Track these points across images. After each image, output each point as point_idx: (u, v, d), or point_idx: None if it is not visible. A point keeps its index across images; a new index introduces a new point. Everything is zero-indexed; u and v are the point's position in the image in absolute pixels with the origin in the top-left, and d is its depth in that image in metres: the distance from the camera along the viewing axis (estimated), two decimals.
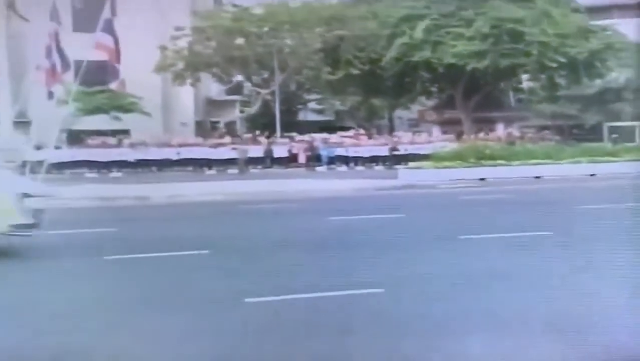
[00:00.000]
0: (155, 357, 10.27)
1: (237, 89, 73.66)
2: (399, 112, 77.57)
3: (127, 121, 61.24)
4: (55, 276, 16.19)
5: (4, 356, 10.02)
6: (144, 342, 10.83)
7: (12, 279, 15.81)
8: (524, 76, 70.26)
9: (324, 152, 57.34)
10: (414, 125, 75.51)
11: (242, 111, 74.57)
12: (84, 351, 10.34)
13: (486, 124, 65.14)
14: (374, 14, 66.83)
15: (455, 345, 10.28)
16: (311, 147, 58.07)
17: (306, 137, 60.83)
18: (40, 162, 35.04)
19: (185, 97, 72.39)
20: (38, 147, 38.60)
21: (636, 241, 18.81)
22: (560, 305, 12.38)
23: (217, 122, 74.39)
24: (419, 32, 63.59)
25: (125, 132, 61.74)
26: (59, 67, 35.36)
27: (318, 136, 61.12)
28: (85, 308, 12.81)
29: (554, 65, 64.00)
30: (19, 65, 39.28)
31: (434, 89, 72.25)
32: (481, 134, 59.92)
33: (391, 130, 70.62)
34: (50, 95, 37.20)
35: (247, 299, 12.59)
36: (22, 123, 39.85)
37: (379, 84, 67.72)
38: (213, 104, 76.49)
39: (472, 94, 67.37)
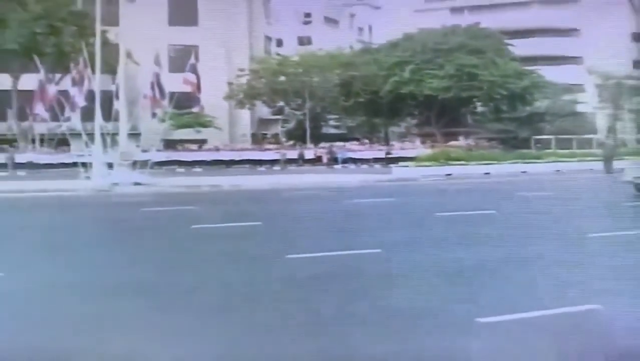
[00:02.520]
0: (227, 289, 10.28)
1: (279, 111, 73.79)
2: (392, 128, 77.37)
3: (205, 133, 61.47)
4: (158, 238, 16.33)
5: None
6: (220, 281, 10.94)
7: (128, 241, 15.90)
8: (478, 103, 70.38)
9: (339, 155, 57.31)
10: (403, 136, 75.36)
11: (282, 126, 74.76)
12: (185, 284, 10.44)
13: (452, 136, 65.01)
14: (375, 60, 67.21)
15: (425, 274, 10.68)
16: (331, 152, 58.09)
17: (327, 145, 60.94)
18: (145, 161, 35.40)
19: (244, 117, 72.47)
20: (144, 151, 38.73)
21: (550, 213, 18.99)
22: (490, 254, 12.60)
23: (266, 134, 74.34)
24: (406, 73, 64.27)
25: (204, 141, 61.90)
26: (158, 96, 35.48)
27: (336, 144, 61.28)
28: (180, 258, 13.01)
29: (499, 96, 65.20)
30: (131, 94, 39.19)
31: (416, 112, 72.33)
32: (449, 143, 59.91)
33: (387, 140, 70.49)
34: (153, 115, 37.35)
35: (287, 256, 12.44)
36: (134, 134, 39.97)
37: (378, 108, 68.01)
38: (263, 122, 76.46)
39: (442, 115, 67.81)
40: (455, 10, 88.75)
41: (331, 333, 7.85)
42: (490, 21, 72.71)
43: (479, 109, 72.53)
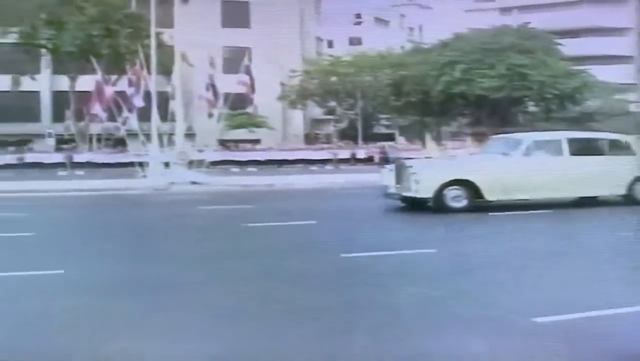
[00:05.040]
0: (285, 281, 10.52)
1: (331, 111, 73.84)
2: (443, 128, 77.09)
3: (259, 133, 61.93)
4: (217, 235, 16.51)
5: None
6: (280, 274, 11.14)
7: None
8: (530, 103, 69.83)
9: (391, 155, 57.28)
10: (454, 136, 75.04)
11: (334, 126, 74.92)
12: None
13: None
14: (425, 60, 66.91)
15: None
16: (382, 151, 58.10)
17: (379, 144, 60.96)
18: (201, 161, 35.81)
19: (297, 117, 72.83)
20: (200, 151, 39.12)
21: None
22: None
23: (318, 134, 74.68)
24: (457, 73, 63.80)
25: (258, 141, 62.36)
26: (213, 97, 35.89)
27: (387, 144, 61.28)
28: (237, 254, 13.23)
29: (549, 96, 64.38)
30: (187, 96, 39.67)
31: (467, 111, 71.90)
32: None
33: (438, 140, 70.28)
34: (209, 115, 37.71)
35: (342, 255, 12.56)
36: (190, 135, 40.42)
37: (429, 108, 67.68)
38: (315, 122, 76.85)
39: (493, 115, 67.21)
40: (505, 10, 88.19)
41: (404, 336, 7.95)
42: (539, 21, 72.00)
43: (530, 108, 71.98)
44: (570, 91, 64.89)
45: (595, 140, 21.82)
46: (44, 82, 65.97)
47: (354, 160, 57.17)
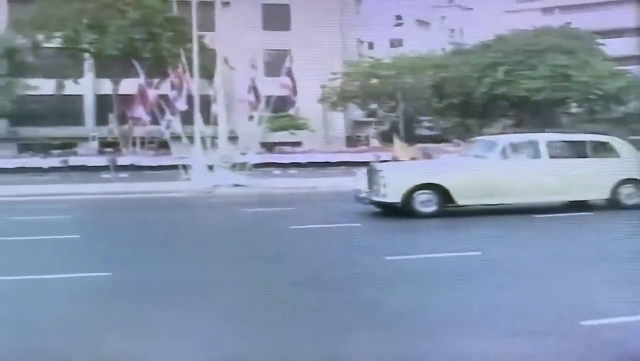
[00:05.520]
0: (325, 287, 10.38)
1: (372, 113, 73.85)
2: (486, 129, 76.71)
3: (300, 135, 62.05)
4: (262, 237, 16.48)
5: None
6: (326, 278, 11.03)
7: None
8: (573, 104, 69.32)
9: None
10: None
11: (376, 128, 74.88)
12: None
13: None
14: (467, 61, 66.62)
15: None
16: (425, 154, 57.82)
17: (421, 146, 60.71)
18: (244, 164, 35.87)
19: (338, 119, 72.88)
20: (243, 153, 39.18)
21: None
22: None
23: (359, 136, 74.68)
24: (499, 74, 63.58)
25: (299, 143, 62.47)
26: (255, 100, 35.97)
27: (429, 146, 61.00)
28: (284, 256, 13.25)
29: (593, 97, 63.90)
30: (229, 99, 39.78)
31: (509, 113, 71.54)
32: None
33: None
34: (250, 118, 37.79)
35: (386, 257, 12.51)
36: (232, 138, 40.51)
37: (471, 110, 67.41)
38: (356, 124, 76.88)
39: (536, 116, 66.78)
40: (547, 10, 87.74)
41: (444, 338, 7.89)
42: (581, 21, 71.58)
43: (574, 110, 71.43)
44: (615, 92, 64.29)
45: (578, 142, 20.96)
46: (87, 86, 66.55)
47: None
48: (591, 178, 19.53)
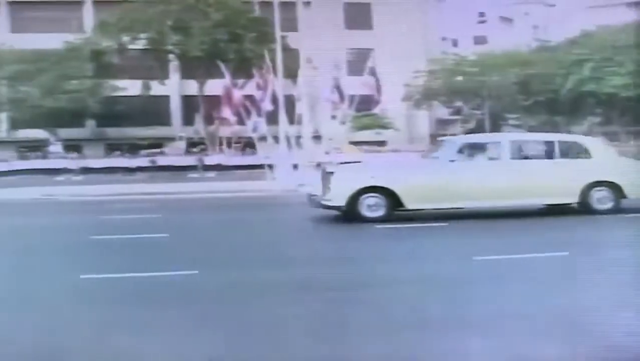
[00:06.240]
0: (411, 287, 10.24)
1: (457, 111, 73.38)
2: (573, 127, 75.74)
3: (384, 134, 61.88)
4: (351, 234, 16.48)
5: None
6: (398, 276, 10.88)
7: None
8: None
9: None
10: (586, 135, 73.68)
11: (462, 127, 74.34)
12: None
13: (636, 134, 63.05)
14: (552, 58, 65.83)
15: None
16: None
17: None
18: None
19: (422, 118, 72.52)
20: (326, 153, 39.24)
21: None
22: None
23: (444, 134, 74.20)
24: (586, 71, 62.69)
25: (383, 142, 62.28)
26: (339, 99, 35.97)
27: None
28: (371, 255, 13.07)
29: None
30: (312, 99, 39.86)
31: (598, 111, 70.45)
32: (631, 142, 58.26)
33: None
34: (333, 118, 37.82)
35: (475, 258, 12.35)
36: (316, 137, 40.59)
37: (558, 107, 66.60)
38: (441, 122, 76.39)
39: (625, 114, 65.79)
40: (632, 4, 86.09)
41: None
42: None
43: None
44: None
45: (545, 142, 19.59)
46: (173, 87, 67.37)
47: None
48: (557, 181, 18.44)
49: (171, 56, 63.42)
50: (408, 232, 16.44)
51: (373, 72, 37.08)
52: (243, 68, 50.70)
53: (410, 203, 17.89)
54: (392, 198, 17.83)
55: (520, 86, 66.10)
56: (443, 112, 75.98)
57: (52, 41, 59.75)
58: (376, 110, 40.29)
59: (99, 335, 7.95)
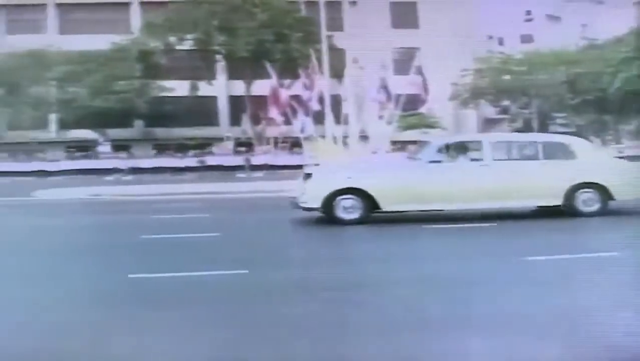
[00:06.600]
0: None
1: (505, 110, 72.98)
2: (622, 126, 75.02)
3: (431, 134, 61.68)
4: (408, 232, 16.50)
5: None
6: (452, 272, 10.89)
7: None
8: None
9: None
10: (636, 135, 72.90)
11: (509, 126, 73.95)
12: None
13: None
14: (600, 57, 65.26)
15: None
16: None
17: None
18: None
19: (469, 117, 72.23)
20: (373, 152, 39.22)
21: None
22: None
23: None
24: (635, 70, 62.00)
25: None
26: (385, 99, 35.93)
27: None
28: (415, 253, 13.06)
29: None
30: (358, 98, 39.85)
31: None
32: None
33: (617, 139, 68.46)
34: (381, 118, 37.77)
35: (525, 258, 12.24)
36: (363, 137, 40.59)
37: (606, 106, 65.94)
38: (488, 122, 75.90)
39: None
40: None
41: None
42: None
43: None
44: None
45: (529, 143, 19.27)
46: (220, 87, 67.70)
47: None
48: (540, 182, 18.00)
49: (218, 57, 63.75)
50: (454, 232, 16.43)
51: (420, 71, 36.97)
52: (289, 68, 50.81)
53: (386, 205, 17.63)
54: (368, 200, 17.58)
55: (568, 84, 65.62)
56: (490, 112, 75.57)
57: (99, 42, 60.46)
58: (423, 109, 40.14)
59: (147, 334, 8.06)
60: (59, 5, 69.70)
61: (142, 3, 69.25)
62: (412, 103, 38.02)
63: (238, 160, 53.77)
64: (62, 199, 30.63)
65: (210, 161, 55.55)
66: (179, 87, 62.18)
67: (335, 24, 43.67)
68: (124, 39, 62.11)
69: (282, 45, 58.93)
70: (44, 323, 8.55)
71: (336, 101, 38.36)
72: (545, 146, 18.55)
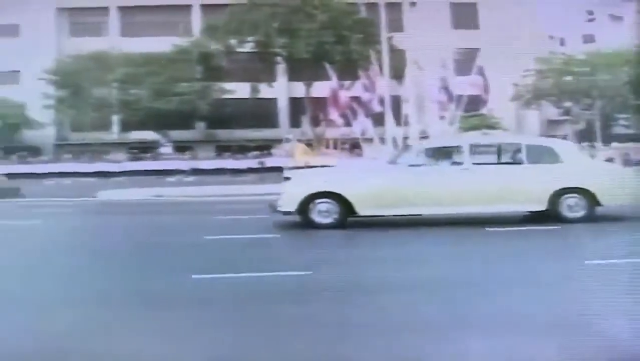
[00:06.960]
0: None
1: (567, 111, 72.29)
2: None
3: (493, 135, 61.38)
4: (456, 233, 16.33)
5: None
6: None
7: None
8: None
9: (634, 157, 55.33)
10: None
11: (571, 127, 73.30)
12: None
13: None
14: None
15: None
16: (624, 153, 56.13)
17: (620, 146, 58.92)
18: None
19: (531, 118, 71.75)
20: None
21: None
22: None
23: (554, 135, 73.22)
24: None
25: None
26: (446, 100, 35.82)
27: (628, 145, 59.15)
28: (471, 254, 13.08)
29: None
30: (419, 99, 39.77)
31: None
32: None
33: None
34: (442, 118, 37.68)
35: (586, 262, 11.79)
36: (423, 138, 40.54)
37: None
38: (551, 123, 75.27)
39: None
40: None
41: None
42: None
43: None
44: None
45: (511, 146, 18.90)
46: (280, 89, 68.04)
47: None
48: (522, 187, 17.46)
49: (278, 59, 64.04)
50: (517, 235, 16.30)
51: (481, 72, 36.85)
52: (349, 69, 50.87)
53: (362, 209, 17.36)
54: (344, 204, 17.35)
55: (631, 85, 64.71)
56: (553, 113, 74.91)
57: (160, 45, 61.12)
58: (484, 110, 39.92)
59: (207, 334, 8.08)
60: (121, 8, 70.60)
61: (203, 6, 69.84)
62: (473, 104, 37.86)
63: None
64: (125, 199, 31.03)
65: (271, 162, 55.81)
66: (239, 90, 62.63)
67: (395, 25, 43.61)
68: (185, 41, 62.70)
69: (342, 47, 59.04)
70: (108, 321, 8.65)
71: (396, 102, 38.32)
72: (529, 150, 18.13)
